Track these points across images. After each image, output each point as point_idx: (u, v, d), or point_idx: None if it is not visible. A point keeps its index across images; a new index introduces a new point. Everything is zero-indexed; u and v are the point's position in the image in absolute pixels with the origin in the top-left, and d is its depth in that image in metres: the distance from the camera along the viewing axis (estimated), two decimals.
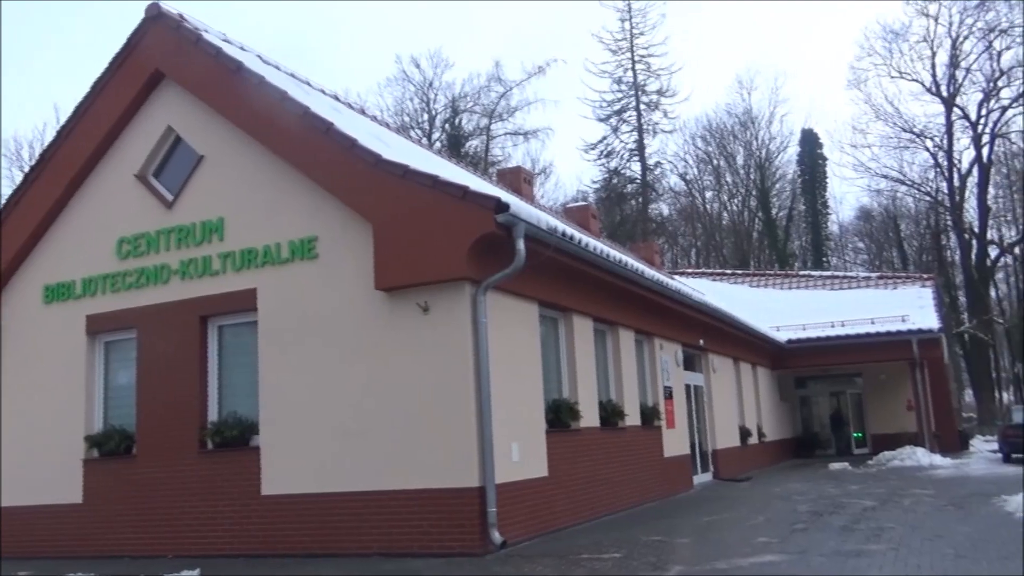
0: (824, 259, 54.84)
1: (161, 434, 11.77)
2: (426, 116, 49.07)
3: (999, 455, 23.32)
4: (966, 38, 45.67)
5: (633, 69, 52.13)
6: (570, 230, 11.22)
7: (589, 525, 11.84)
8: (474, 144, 49.17)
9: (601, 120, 52.74)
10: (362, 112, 17.01)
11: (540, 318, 11.83)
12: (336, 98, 15.26)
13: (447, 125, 49.23)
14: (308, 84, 14.27)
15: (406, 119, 48.01)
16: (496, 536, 9.54)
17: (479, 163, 44.21)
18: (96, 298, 12.65)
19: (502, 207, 9.42)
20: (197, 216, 12.04)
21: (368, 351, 10.48)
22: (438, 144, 45.15)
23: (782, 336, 26.59)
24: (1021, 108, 44.76)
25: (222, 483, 11.24)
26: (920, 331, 25.65)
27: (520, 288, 10.91)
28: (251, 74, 11.46)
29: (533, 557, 9.25)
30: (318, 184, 10.96)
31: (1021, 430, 21.95)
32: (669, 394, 16.83)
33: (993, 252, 48.34)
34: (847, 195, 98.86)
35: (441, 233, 9.78)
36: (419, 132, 46.67)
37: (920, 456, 22.10)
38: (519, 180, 21.68)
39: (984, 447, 28.50)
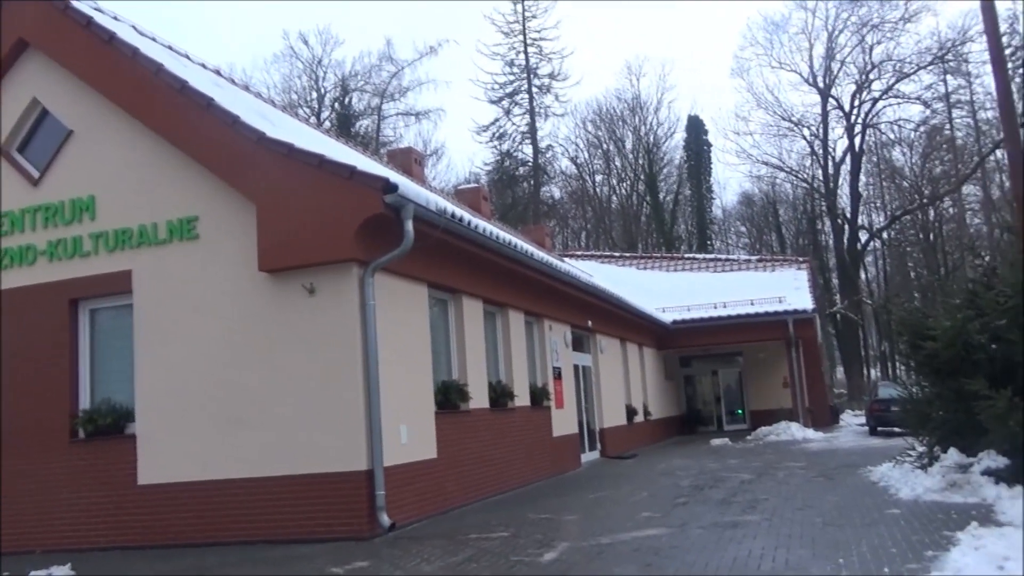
0: (708, 242, 56.74)
1: (28, 424, 11.16)
2: (315, 95, 48.06)
3: (866, 428, 24.69)
4: (841, 32, 48.03)
5: (525, 52, 52.37)
6: (460, 212, 11.20)
7: (479, 505, 11.93)
8: (365, 124, 48.47)
9: (493, 102, 52.82)
10: (246, 88, 16.48)
11: (430, 300, 11.79)
12: (218, 73, 14.72)
13: (337, 104, 48.31)
14: (187, 57, 13.71)
15: (294, 97, 46.91)
16: (384, 519, 9.48)
17: (370, 143, 43.54)
18: None
19: (390, 188, 9.31)
20: (66, 194, 11.43)
21: (252, 334, 10.20)
22: (327, 124, 44.21)
23: (668, 317, 27.35)
24: (890, 100, 47.45)
25: (95, 473, 10.77)
26: (795, 311, 26.82)
27: (409, 270, 10.83)
28: (124, 45, 10.93)
29: (422, 539, 9.26)
30: (198, 162, 10.56)
31: (886, 405, 23.22)
32: (558, 374, 17.09)
33: (863, 237, 51.11)
34: (730, 180, 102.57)
35: (327, 213, 9.59)
36: (307, 111, 45.62)
37: (794, 431, 23.23)
38: (410, 161, 21.47)
39: (853, 421, 30.08)
